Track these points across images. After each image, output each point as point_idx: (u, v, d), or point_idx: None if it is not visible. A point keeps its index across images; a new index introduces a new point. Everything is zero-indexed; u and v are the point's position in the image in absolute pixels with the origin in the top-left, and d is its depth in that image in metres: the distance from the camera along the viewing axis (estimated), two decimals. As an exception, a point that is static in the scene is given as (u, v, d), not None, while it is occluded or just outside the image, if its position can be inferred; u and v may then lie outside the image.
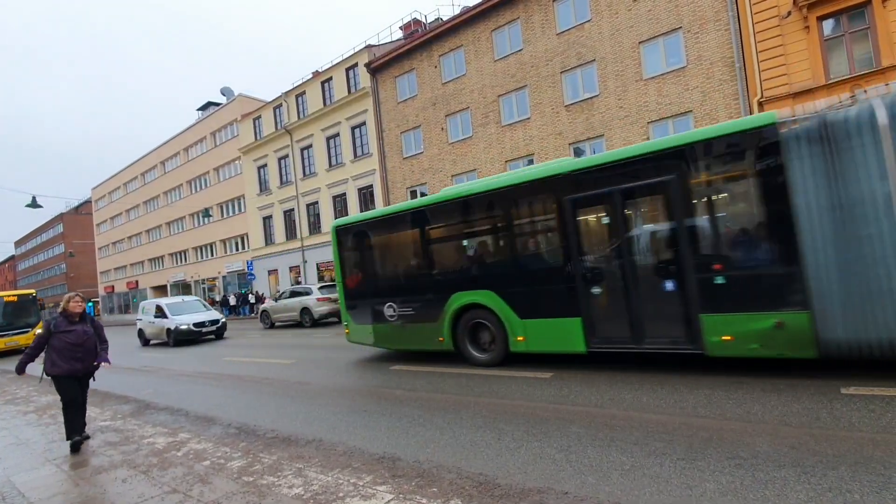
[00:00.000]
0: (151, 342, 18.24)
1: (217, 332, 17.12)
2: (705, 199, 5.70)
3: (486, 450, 4.10)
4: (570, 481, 3.36)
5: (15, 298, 19.16)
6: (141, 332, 18.54)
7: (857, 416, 3.90)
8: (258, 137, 32.54)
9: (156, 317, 17.46)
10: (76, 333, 5.31)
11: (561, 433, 4.27)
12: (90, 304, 48.07)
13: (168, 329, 16.51)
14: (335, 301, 17.47)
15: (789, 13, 13.98)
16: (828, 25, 13.87)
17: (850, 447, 3.39)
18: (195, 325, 16.42)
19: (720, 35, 15.39)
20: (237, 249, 36.10)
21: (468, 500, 3.15)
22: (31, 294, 20.04)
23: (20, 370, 5.26)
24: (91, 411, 7.18)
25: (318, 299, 18.19)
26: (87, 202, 58.78)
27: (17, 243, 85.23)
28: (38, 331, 5.36)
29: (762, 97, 14.49)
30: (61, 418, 6.92)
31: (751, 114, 14.79)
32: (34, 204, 22.93)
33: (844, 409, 4.05)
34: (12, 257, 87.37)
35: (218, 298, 34.53)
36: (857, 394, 4.35)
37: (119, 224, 49.76)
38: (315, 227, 29.53)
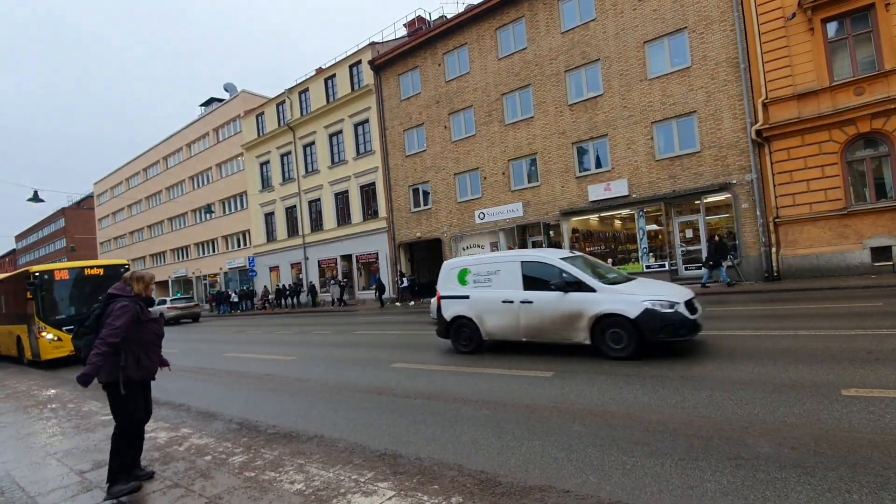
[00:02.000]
0: (496, 337, 8.11)
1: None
2: None
3: (486, 448, 4.11)
4: (572, 480, 3.37)
5: (100, 271, 13.17)
6: (463, 323, 8.40)
7: (857, 417, 3.90)
8: (261, 134, 32.57)
9: (557, 289, 7.26)
10: (159, 322, 4.08)
11: (562, 432, 4.28)
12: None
13: (603, 316, 6.84)
14: (181, 308, 27.41)
15: (794, 15, 13.95)
16: (832, 28, 13.86)
17: (850, 448, 3.39)
18: (689, 304, 6.79)
19: (725, 35, 15.36)
20: (239, 246, 36.16)
21: (469, 498, 3.16)
22: (123, 265, 13.84)
23: (87, 380, 3.52)
24: (92, 406, 7.24)
25: (169, 307, 26.77)
26: (89, 197, 58.96)
27: (18, 237, 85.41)
28: (115, 321, 3.65)
29: (767, 98, 14.47)
30: (63, 412, 6.99)
31: (755, 114, 14.80)
32: (36, 198, 22.95)
33: (844, 411, 4.05)
34: (13, 251, 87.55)
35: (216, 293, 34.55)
36: (858, 395, 4.35)
37: (121, 219, 49.85)
38: (317, 224, 29.56)
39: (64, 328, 12.37)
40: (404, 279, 24.10)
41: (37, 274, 12.42)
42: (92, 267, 13.25)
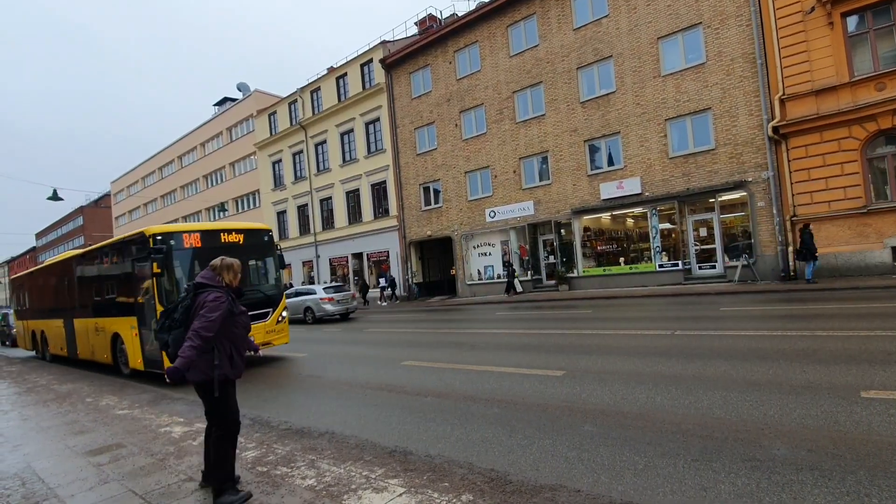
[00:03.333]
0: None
1: None
2: None
3: (497, 446, 4.10)
4: (583, 479, 3.34)
5: (239, 238, 9.27)
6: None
7: (877, 420, 3.82)
8: (273, 133, 32.83)
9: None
10: (247, 315, 3.71)
11: (573, 431, 4.25)
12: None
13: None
14: None
15: (813, 9, 13.67)
16: (852, 22, 13.55)
17: (869, 451, 3.32)
18: None
19: (741, 31, 15.11)
20: (251, 243, 36.44)
21: (480, 496, 3.15)
22: (267, 232, 10.07)
23: (177, 375, 3.22)
24: (109, 400, 7.37)
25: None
26: (107, 195, 59.99)
27: (38, 235, 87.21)
28: (210, 313, 3.30)
29: (784, 94, 14.21)
30: (81, 406, 7.12)
31: (772, 111, 14.54)
32: (55, 196, 23.35)
33: (864, 413, 3.96)
34: (33, 249, 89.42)
35: None
36: (878, 397, 4.26)
37: (137, 217, 50.65)
38: (328, 222, 29.73)
39: None
40: (381, 279, 24.67)
41: (159, 237, 8.20)
42: (230, 231, 9.18)
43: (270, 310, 9.46)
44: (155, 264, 7.95)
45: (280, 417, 5.61)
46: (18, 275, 16.72)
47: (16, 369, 12.57)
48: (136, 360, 8.88)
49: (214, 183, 39.47)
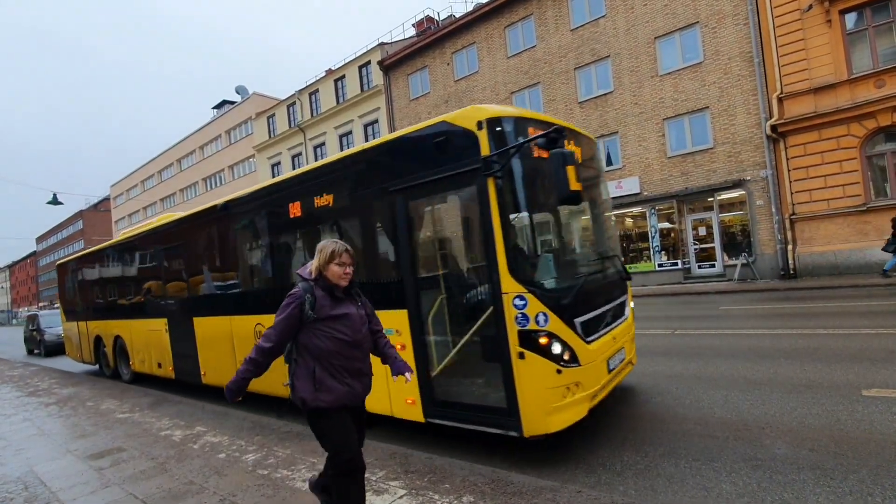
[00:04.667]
0: None
1: None
2: None
3: (497, 447, 4.10)
4: (584, 480, 3.34)
5: (581, 150, 4.48)
6: None
7: (879, 418, 3.81)
8: (272, 135, 32.83)
9: None
10: (353, 321, 2.63)
11: (574, 431, 4.24)
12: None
13: None
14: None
15: (811, 6, 13.68)
16: (850, 19, 13.56)
17: (872, 450, 3.32)
18: None
19: (738, 30, 15.12)
20: (251, 246, 36.45)
21: (481, 497, 3.14)
22: (596, 143, 5.17)
23: (230, 395, 2.62)
24: (110, 404, 7.35)
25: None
26: (106, 199, 60.04)
27: (39, 239, 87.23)
28: (277, 316, 2.56)
29: (782, 93, 14.22)
30: (82, 409, 7.11)
31: (770, 110, 14.54)
32: (55, 201, 23.36)
33: (865, 412, 3.96)
34: (34, 253, 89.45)
35: None
36: (879, 396, 4.26)
37: (137, 221, 50.61)
38: (328, 224, 29.71)
39: (578, 320, 3.79)
40: None
41: (499, 128, 3.82)
42: (576, 135, 4.66)
43: (625, 298, 4.94)
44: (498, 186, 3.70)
45: (283, 418, 5.60)
46: (71, 257, 12.16)
47: (17, 373, 12.56)
48: (403, 398, 4.39)
49: (213, 186, 39.46)
